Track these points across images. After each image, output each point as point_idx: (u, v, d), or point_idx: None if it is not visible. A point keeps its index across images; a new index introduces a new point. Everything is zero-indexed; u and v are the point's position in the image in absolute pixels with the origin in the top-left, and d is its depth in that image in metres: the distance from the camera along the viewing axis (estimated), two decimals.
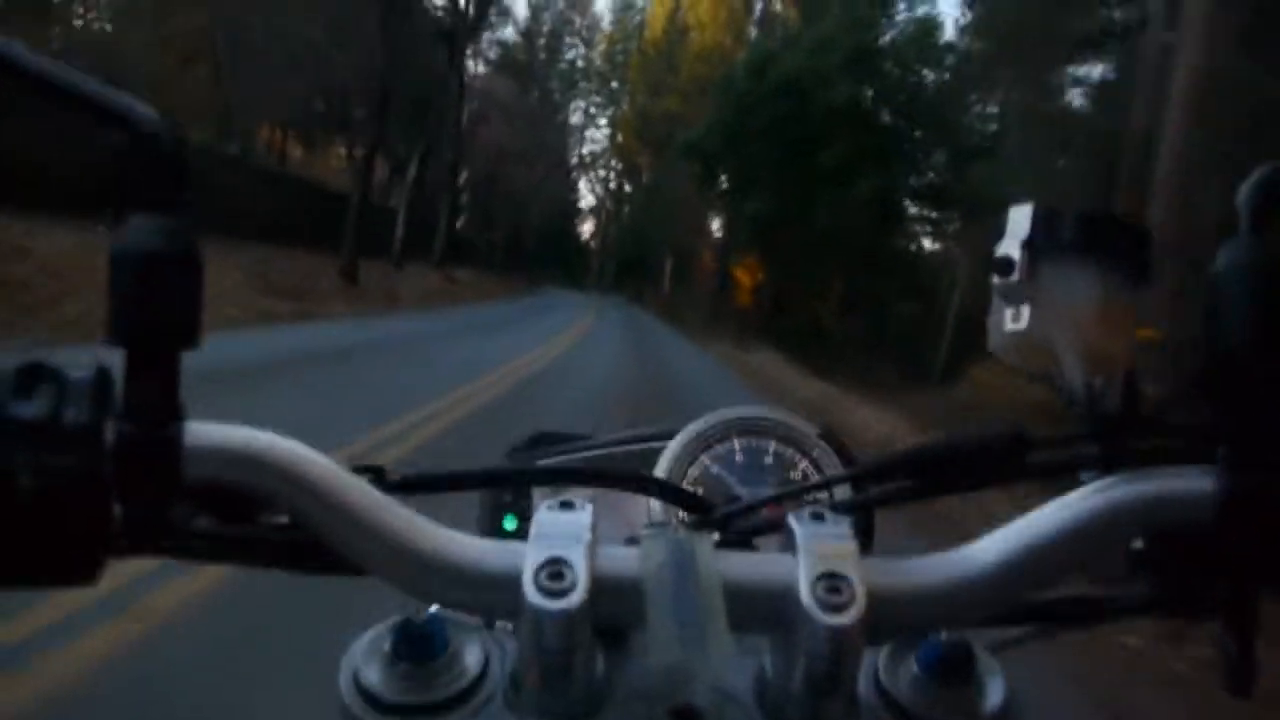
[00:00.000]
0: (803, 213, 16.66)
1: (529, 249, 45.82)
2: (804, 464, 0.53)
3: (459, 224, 36.57)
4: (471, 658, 0.33)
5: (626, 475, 0.39)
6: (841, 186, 16.49)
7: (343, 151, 24.64)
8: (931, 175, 18.12)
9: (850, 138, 16.36)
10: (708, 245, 31.98)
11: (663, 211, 36.16)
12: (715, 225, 33.38)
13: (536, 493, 0.53)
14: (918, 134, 17.68)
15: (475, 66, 29.79)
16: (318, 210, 17.13)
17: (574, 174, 56.65)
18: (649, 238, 43.64)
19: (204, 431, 0.30)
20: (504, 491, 0.57)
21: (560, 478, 0.41)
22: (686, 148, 20.52)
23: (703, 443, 0.53)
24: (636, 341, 15.49)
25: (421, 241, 24.05)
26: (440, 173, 24.24)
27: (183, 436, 0.29)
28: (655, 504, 0.49)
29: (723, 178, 20.14)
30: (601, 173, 56.03)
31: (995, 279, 0.34)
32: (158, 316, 0.29)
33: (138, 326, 0.29)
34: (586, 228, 59.38)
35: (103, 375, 0.29)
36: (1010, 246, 0.34)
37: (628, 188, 51.81)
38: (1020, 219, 0.34)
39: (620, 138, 48.19)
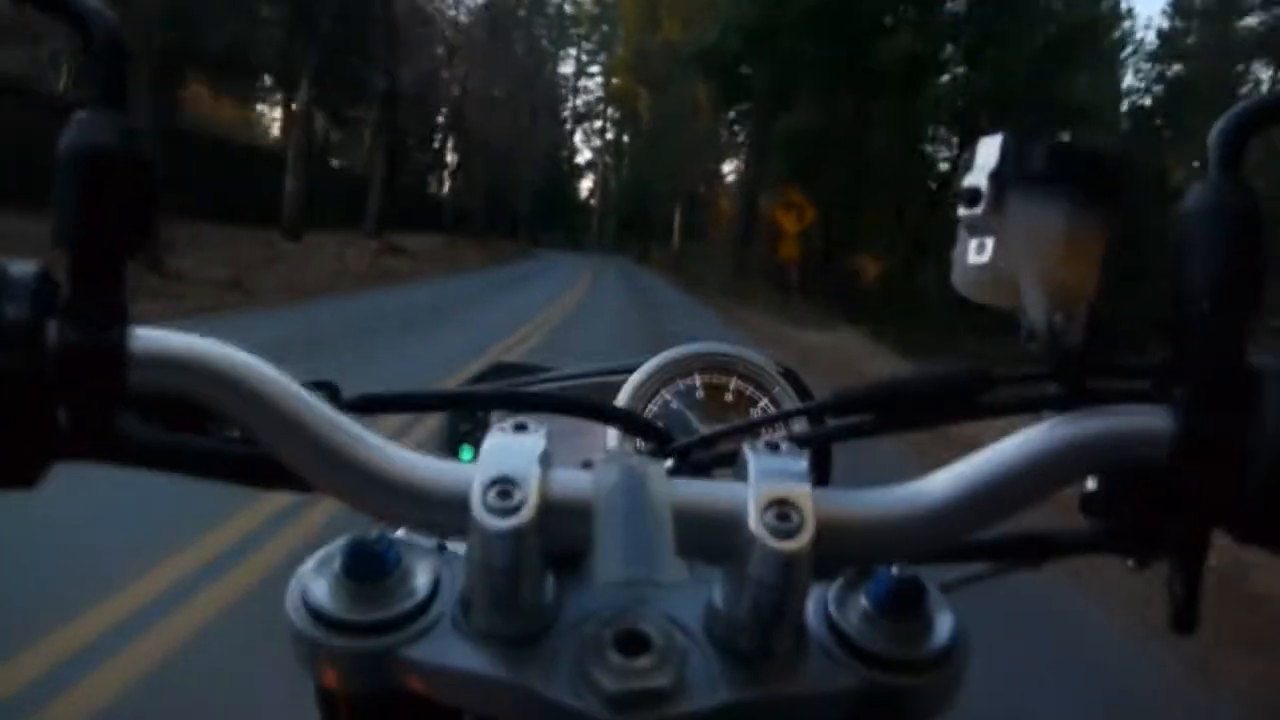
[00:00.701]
0: (855, 131, 13.20)
1: (519, 210, 44.50)
2: (764, 401, 0.57)
3: (445, 188, 34.92)
4: (421, 578, 0.34)
5: (585, 403, 0.43)
6: (906, 93, 12.96)
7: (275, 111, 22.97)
8: (1021, 79, 14.26)
9: (917, 26, 12.91)
10: (724, 191, 29.48)
11: (667, 157, 34.60)
12: (730, 169, 31.06)
13: (493, 420, 0.55)
14: (1004, 24, 13.59)
15: (456, 14, 27.64)
16: (253, 175, 16.63)
17: (569, 128, 56.05)
18: (652, 190, 42.22)
19: (152, 338, 0.31)
20: (461, 421, 0.60)
21: (518, 403, 0.41)
22: (700, 56, 17.61)
23: (664, 377, 0.57)
24: (642, 321, 11.69)
25: (408, 209, 23.05)
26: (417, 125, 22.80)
27: (128, 341, 0.30)
28: (613, 436, 0.52)
29: (746, 95, 16.99)
30: (598, 124, 53.76)
31: (961, 210, 0.35)
32: (105, 216, 0.30)
33: (84, 226, 0.30)
34: (586, 185, 59.23)
35: (45, 274, 0.30)
36: (978, 177, 0.34)
37: (626, 138, 48.77)
38: (989, 149, 0.35)
39: (615, 82, 44.37)
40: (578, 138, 56.80)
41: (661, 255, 33.63)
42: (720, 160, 30.73)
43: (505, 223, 41.61)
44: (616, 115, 52.32)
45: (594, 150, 56.35)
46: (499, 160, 37.84)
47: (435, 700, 0.33)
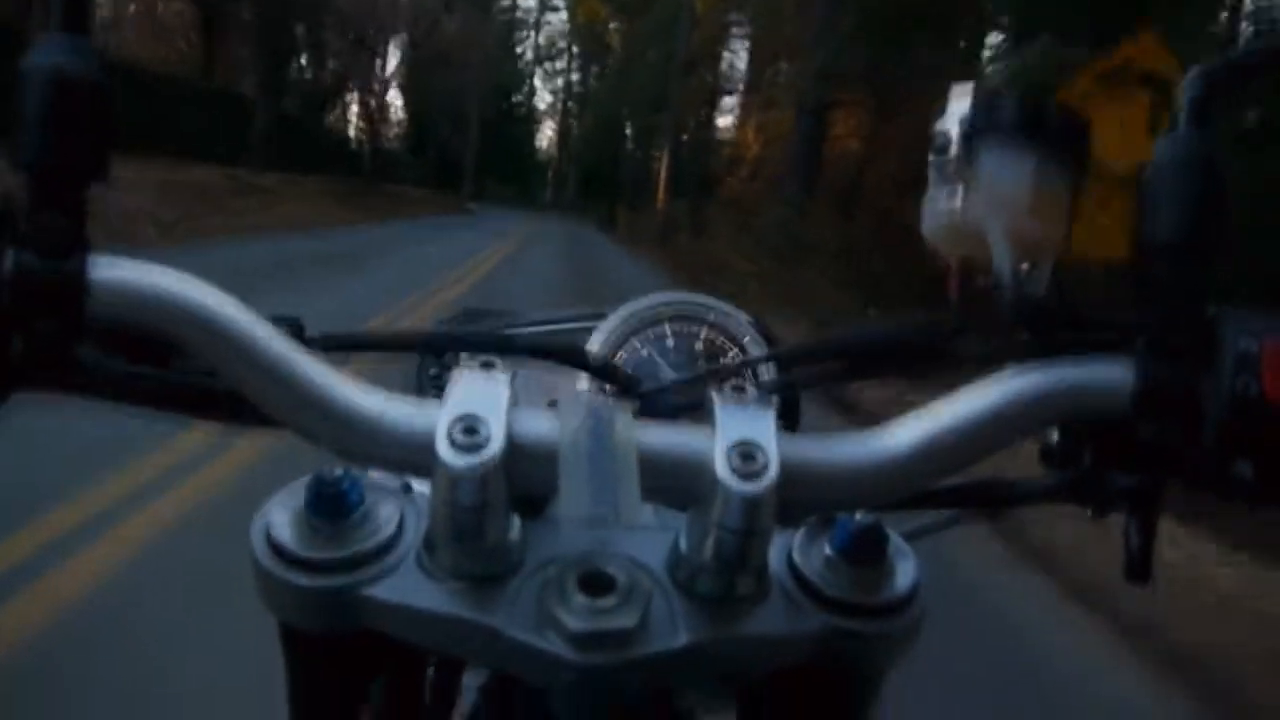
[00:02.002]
0: None
1: (463, 159, 42.62)
2: (734, 351, 0.63)
3: (352, 124, 33.34)
4: (386, 517, 0.37)
5: (554, 346, 0.47)
6: None
7: None
8: None
9: None
10: (758, 115, 19.78)
11: (645, 83, 29.93)
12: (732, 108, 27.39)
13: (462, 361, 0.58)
14: None
15: None
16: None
17: (527, 69, 55.34)
18: (622, 134, 40.47)
19: (114, 266, 0.34)
20: (430, 365, 0.64)
21: (485, 345, 0.45)
22: None
23: (634, 325, 0.63)
24: None
25: (312, 147, 22.15)
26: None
27: (88, 270, 0.33)
28: (583, 382, 0.57)
29: None
30: (560, 64, 52.67)
31: (931, 157, 0.40)
32: (66, 141, 0.33)
33: (44, 151, 0.33)
34: (548, 136, 58.42)
35: (3, 201, 0.33)
36: (949, 124, 0.39)
37: (593, 80, 47.49)
38: (961, 97, 0.39)
39: (580, 11, 43.66)
40: (538, 80, 56.47)
41: (639, 220, 28.57)
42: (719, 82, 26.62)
43: (446, 172, 41.45)
44: (579, 52, 52.12)
45: (555, 95, 56.20)
46: (436, 93, 36.76)
47: (399, 640, 0.36)
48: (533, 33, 54.39)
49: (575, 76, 53.74)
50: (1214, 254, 0.37)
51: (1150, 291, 0.37)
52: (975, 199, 0.38)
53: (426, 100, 39.97)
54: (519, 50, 54.94)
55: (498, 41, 49.72)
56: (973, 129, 0.38)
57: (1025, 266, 0.38)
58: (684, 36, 21.77)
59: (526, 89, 56.37)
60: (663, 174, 24.33)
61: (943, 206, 0.39)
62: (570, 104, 54.27)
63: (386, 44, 31.52)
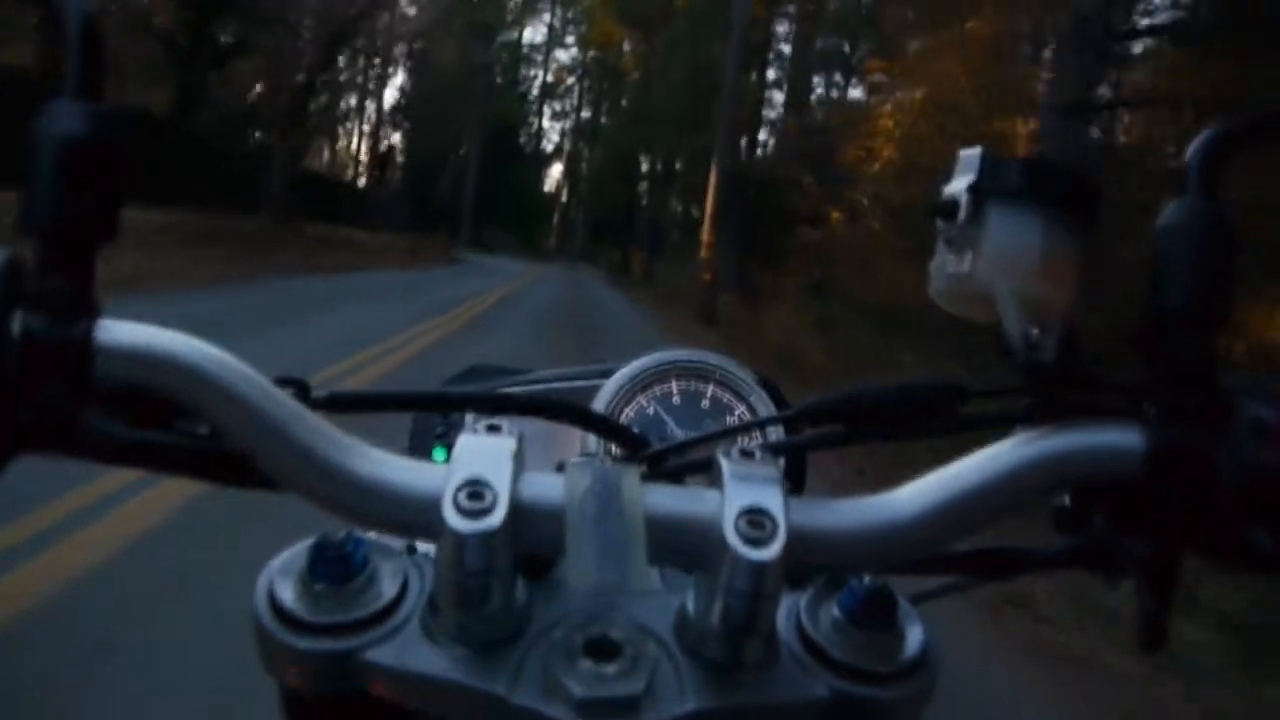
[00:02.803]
0: None
1: (461, 202, 42.96)
2: (741, 409, 0.70)
3: (367, 173, 33.69)
4: (389, 580, 0.41)
5: (560, 406, 0.51)
6: None
7: None
8: None
9: None
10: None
11: (676, 103, 26.49)
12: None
13: (466, 422, 0.66)
14: None
15: None
16: None
17: (533, 107, 56.54)
18: (635, 175, 39.68)
19: (120, 330, 0.37)
20: (435, 422, 0.72)
21: (492, 405, 0.51)
22: None
23: (640, 383, 0.70)
24: None
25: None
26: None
27: (95, 333, 0.37)
28: (589, 440, 0.63)
29: None
30: (569, 101, 55.37)
31: (939, 222, 0.44)
32: (76, 205, 0.37)
33: (54, 214, 0.36)
34: (556, 179, 59.74)
35: (13, 264, 0.36)
36: (956, 189, 0.43)
37: (604, 117, 47.83)
38: (968, 161, 0.43)
39: (593, 34, 44.06)
40: (546, 120, 57.48)
41: (666, 273, 26.14)
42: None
43: (438, 216, 42.08)
44: (590, 90, 52.93)
45: (563, 134, 57.17)
46: (427, 126, 36.52)
47: (401, 704, 0.39)
48: (540, 71, 55.51)
49: (586, 114, 54.77)
50: (1225, 319, 0.41)
51: (1161, 356, 0.41)
52: (983, 262, 0.42)
53: (419, 134, 39.91)
54: (524, 89, 56.03)
55: (502, 72, 50.06)
56: (980, 192, 0.42)
57: (1034, 330, 0.42)
58: (743, 9, 18.41)
59: (534, 129, 57.40)
60: (708, 209, 17.81)
61: (951, 270, 0.44)
62: (580, 145, 55.16)
63: (367, 60, 31.42)
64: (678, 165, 35.41)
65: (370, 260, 20.23)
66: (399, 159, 49.10)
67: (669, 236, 35.74)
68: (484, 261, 32.89)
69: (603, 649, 0.38)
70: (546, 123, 57.84)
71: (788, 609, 0.43)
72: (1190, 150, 0.42)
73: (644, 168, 40.85)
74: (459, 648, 0.39)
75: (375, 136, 43.32)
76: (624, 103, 41.09)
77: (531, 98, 56.68)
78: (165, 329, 0.38)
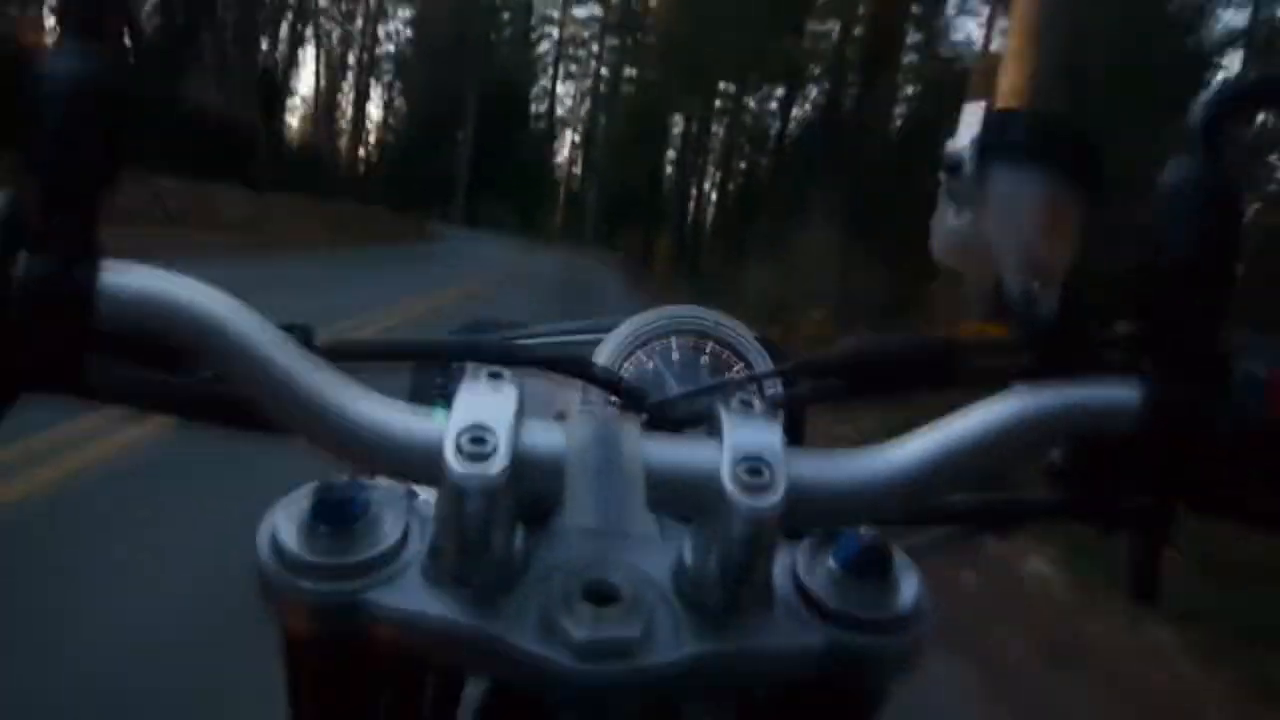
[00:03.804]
0: None
1: (455, 174, 43.16)
2: (740, 366, 0.79)
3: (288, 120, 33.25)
4: (391, 525, 0.46)
5: (561, 358, 0.60)
6: None
7: None
8: None
9: None
10: None
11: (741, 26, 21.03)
12: None
13: (466, 373, 0.69)
14: None
15: None
16: None
17: (544, 66, 56.10)
18: (663, 139, 37.07)
19: (124, 273, 0.42)
20: (434, 377, 0.79)
21: (494, 356, 0.55)
22: None
23: (641, 338, 0.80)
24: None
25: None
26: None
27: (98, 276, 0.41)
28: (589, 393, 0.71)
29: None
30: (588, 62, 55.01)
31: (943, 177, 0.49)
32: (79, 148, 0.41)
33: (57, 157, 0.41)
34: (568, 154, 59.51)
35: (15, 206, 0.40)
36: (960, 144, 0.49)
37: (624, 82, 47.94)
38: (972, 117, 0.49)
39: None
40: (559, 86, 57.16)
41: (706, 266, 23.90)
42: None
43: (422, 187, 42.05)
44: (609, 47, 52.49)
45: (577, 98, 57.39)
46: (426, 94, 35.90)
47: (401, 647, 0.45)
48: (554, 29, 55.11)
49: (604, 75, 54.41)
50: (1224, 277, 0.46)
51: (1160, 312, 0.47)
52: (986, 218, 0.49)
53: (416, 97, 39.52)
54: (535, 49, 55.88)
55: (509, 24, 49.23)
56: (984, 148, 0.49)
57: (1035, 286, 0.48)
58: None
59: (544, 95, 57.03)
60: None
61: (953, 225, 0.50)
62: (598, 114, 54.91)
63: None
64: (716, 127, 32.96)
65: (264, 239, 17.24)
66: (389, 124, 48.57)
67: (705, 217, 34.18)
68: (462, 245, 31.26)
69: (601, 593, 0.44)
70: (560, 88, 57.79)
71: (784, 559, 0.48)
72: (1194, 110, 0.47)
73: (676, 129, 39.05)
74: (459, 591, 0.44)
75: (361, 100, 43.12)
76: (654, 40, 37.61)
77: (544, 59, 56.57)
78: (170, 272, 0.43)
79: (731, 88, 24.53)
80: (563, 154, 60.78)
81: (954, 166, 0.50)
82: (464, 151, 47.26)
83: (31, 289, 0.40)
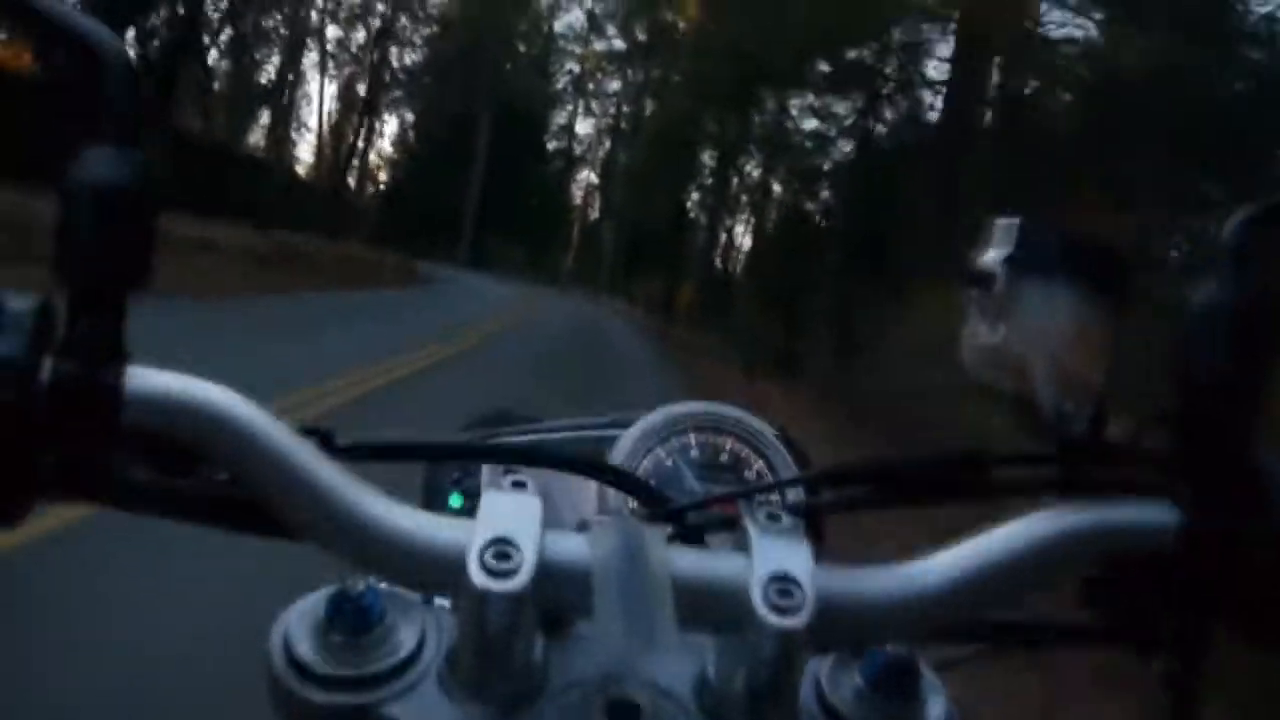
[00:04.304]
0: None
1: (463, 210, 44.32)
2: (759, 464, 0.83)
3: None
4: (407, 633, 0.49)
5: (582, 460, 0.63)
6: None
7: None
8: None
9: None
10: None
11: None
12: None
13: (485, 471, 0.78)
14: None
15: None
16: None
17: (564, 97, 56.46)
18: (690, 172, 34.27)
19: (148, 377, 0.45)
20: (450, 467, 0.85)
21: (514, 456, 0.61)
22: None
23: (659, 435, 0.83)
24: None
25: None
26: None
27: (124, 380, 0.44)
28: (608, 493, 0.75)
29: None
30: (608, 100, 55.03)
31: (973, 291, 0.52)
32: (108, 252, 0.44)
33: (86, 262, 0.44)
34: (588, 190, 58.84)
35: (45, 309, 0.43)
36: (991, 259, 0.52)
37: (651, 107, 47.01)
38: (1004, 231, 0.52)
39: None
40: (578, 123, 57.29)
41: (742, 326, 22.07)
42: None
43: (439, 227, 42.33)
44: (633, 79, 52.35)
45: (597, 134, 57.57)
46: (436, 126, 35.76)
47: None
48: (574, 64, 55.31)
49: (626, 110, 54.60)
50: (1258, 397, 0.49)
51: (1194, 433, 0.50)
52: (1016, 333, 0.52)
53: (425, 128, 39.48)
54: (554, 80, 56.06)
55: (525, 50, 48.98)
56: (1015, 263, 0.52)
57: (1068, 401, 0.51)
58: None
59: (559, 127, 57.21)
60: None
61: (983, 339, 0.53)
62: (619, 152, 54.45)
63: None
64: (750, 165, 30.16)
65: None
66: (394, 157, 48.54)
67: (733, 264, 32.71)
68: (456, 289, 29.45)
69: (622, 711, 0.46)
70: (580, 127, 57.78)
71: (809, 674, 0.50)
72: (1226, 226, 0.50)
73: (706, 160, 36.29)
74: (476, 704, 0.47)
75: (369, 130, 43.40)
76: (682, 54, 34.31)
77: (562, 94, 56.94)
78: (193, 377, 0.47)
79: (775, 107, 22.58)
80: (579, 194, 61.08)
81: (983, 280, 0.53)
82: (474, 186, 47.02)
83: (58, 393, 0.43)
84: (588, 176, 60.61)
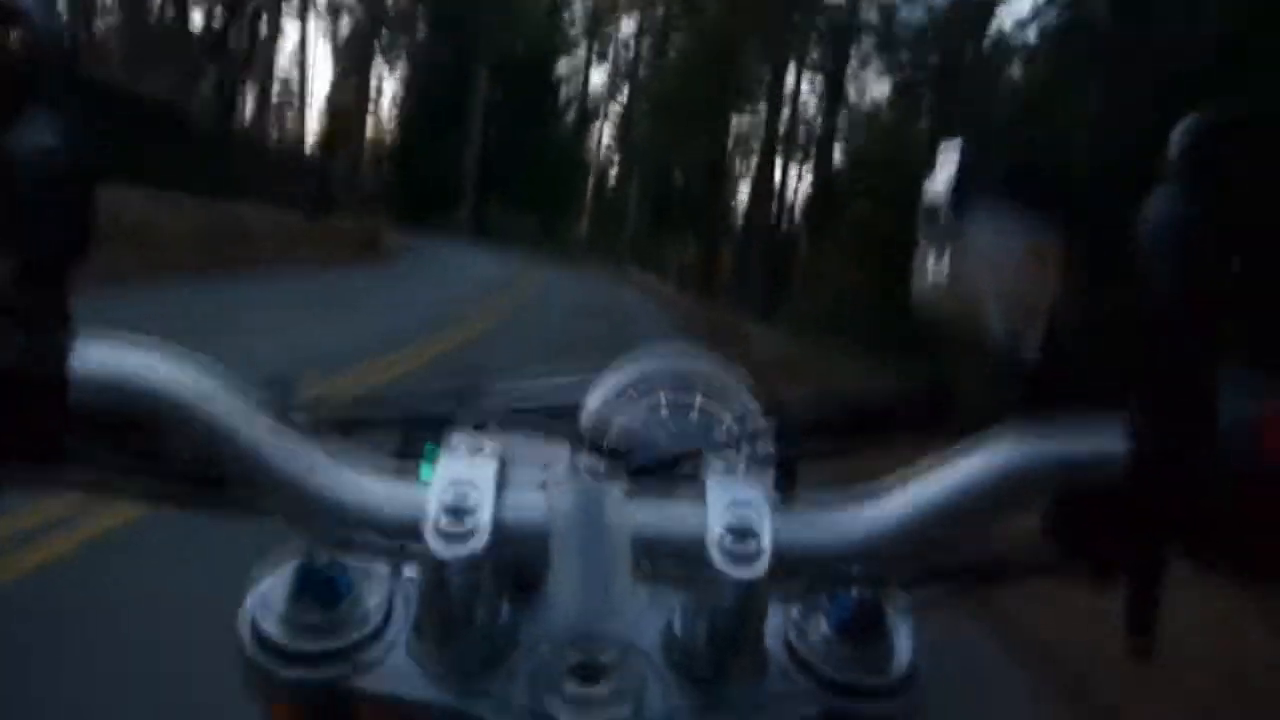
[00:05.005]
0: None
1: (463, 170, 41.53)
2: (729, 420, 0.80)
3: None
4: (374, 604, 0.50)
5: (545, 415, 0.66)
6: None
7: None
8: None
9: None
10: None
11: None
12: None
13: (454, 435, 0.78)
14: None
15: None
16: None
17: (574, 39, 52.61)
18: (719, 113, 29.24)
19: (97, 349, 0.47)
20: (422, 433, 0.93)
21: (478, 418, 0.62)
22: None
23: (626, 389, 0.82)
24: None
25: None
26: None
27: (71, 353, 0.46)
28: (576, 454, 0.74)
29: None
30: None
31: (921, 221, 0.53)
32: (51, 222, 0.45)
33: (27, 235, 0.45)
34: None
35: None
36: (938, 186, 0.53)
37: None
38: (949, 159, 0.53)
39: None
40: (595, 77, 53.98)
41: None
42: None
43: (439, 196, 39.52)
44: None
45: (613, 79, 54.00)
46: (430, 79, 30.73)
47: None
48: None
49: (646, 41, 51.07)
50: (1210, 315, 0.48)
51: (1145, 352, 0.50)
52: (965, 261, 0.52)
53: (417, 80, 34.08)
54: (565, 22, 52.76)
55: None
56: (961, 189, 0.52)
57: (1018, 329, 0.51)
58: None
59: (573, 72, 53.60)
60: None
61: (932, 268, 0.54)
62: (640, 101, 50.73)
63: None
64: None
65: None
66: (386, 111, 42.99)
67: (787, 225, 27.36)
68: (436, 268, 24.71)
69: (589, 671, 0.47)
70: (595, 77, 54.32)
71: (775, 622, 0.52)
72: (1173, 136, 0.49)
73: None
74: (445, 671, 0.48)
75: (363, 80, 37.57)
76: None
77: (573, 31, 53.37)
78: (143, 342, 0.48)
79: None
80: (596, 146, 57.63)
81: (930, 207, 0.54)
82: (473, 144, 41.04)
83: (2, 366, 0.44)
84: (604, 129, 57.38)
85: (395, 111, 46.19)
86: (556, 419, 0.66)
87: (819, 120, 27.18)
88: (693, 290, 27.76)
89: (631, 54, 53.11)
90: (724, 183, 34.44)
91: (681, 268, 34.32)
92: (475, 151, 43.11)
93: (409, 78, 45.21)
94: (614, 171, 56.56)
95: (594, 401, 0.81)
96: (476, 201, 43.97)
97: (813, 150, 28.64)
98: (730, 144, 34.44)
